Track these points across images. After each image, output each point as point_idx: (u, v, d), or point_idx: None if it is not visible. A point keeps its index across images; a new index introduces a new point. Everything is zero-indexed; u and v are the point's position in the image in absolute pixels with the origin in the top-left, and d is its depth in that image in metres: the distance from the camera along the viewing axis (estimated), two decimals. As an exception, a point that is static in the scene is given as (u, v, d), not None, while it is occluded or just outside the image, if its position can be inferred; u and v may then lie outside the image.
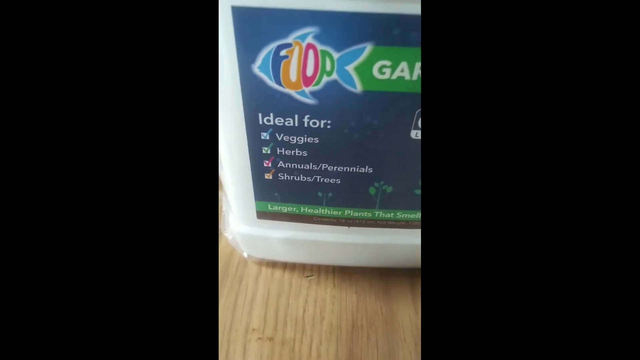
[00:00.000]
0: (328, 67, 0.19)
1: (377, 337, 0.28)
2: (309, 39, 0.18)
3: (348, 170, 0.23)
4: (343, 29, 0.17)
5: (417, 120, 0.21)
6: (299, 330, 0.28)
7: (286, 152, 0.23)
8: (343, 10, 0.17)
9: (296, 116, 0.21)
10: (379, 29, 0.17)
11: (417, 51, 0.18)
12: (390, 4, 0.16)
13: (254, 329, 0.28)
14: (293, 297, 0.30)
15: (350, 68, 0.19)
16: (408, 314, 0.30)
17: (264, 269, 0.32)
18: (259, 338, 0.28)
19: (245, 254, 0.32)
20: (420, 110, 0.20)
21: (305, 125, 0.21)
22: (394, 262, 0.31)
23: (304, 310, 0.30)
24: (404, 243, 0.29)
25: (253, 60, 0.19)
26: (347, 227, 0.27)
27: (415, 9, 0.16)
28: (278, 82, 0.19)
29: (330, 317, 0.29)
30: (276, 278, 0.32)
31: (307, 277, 0.32)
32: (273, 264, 0.33)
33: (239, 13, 0.17)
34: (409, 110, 0.20)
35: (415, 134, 0.21)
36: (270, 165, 0.23)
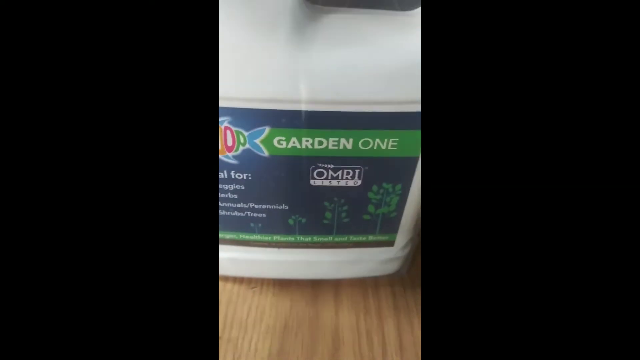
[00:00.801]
0: (242, 140, 0.27)
1: (303, 334, 0.36)
2: (226, 124, 0.26)
3: (270, 207, 0.32)
4: (248, 119, 0.26)
5: (312, 173, 0.29)
6: (242, 330, 0.36)
7: (222, 195, 0.31)
8: (247, 107, 0.25)
9: (225, 171, 0.29)
10: (272, 118, 0.26)
11: (301, 131, 0.26)
12: (277, 103, 0.25)
13: (205, 330, 0.36)
14: (239, 305, 0.38)
15: (257, 141, 0.27)
16: (330, 316, 0.38)
17: (218, 282, 0.40)
18: (209, 336, 0.35)
19: (202, 271, 0.40)
20: (313, 166, 0.29)
21: (233, 177, 0.29)
22: (318, 275, 0.39)
23: (247, 315, 0.37)
24: (324, 260, 0.37)
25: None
26: (277, 249, 0.35)
27: (293, 106, 0.25)
28: (208, 150, 0.28)
29: (267, 319, 0.37)
30: (227, 290, 0.40)
31: (252, 288, 0.40)
32: (225, 279, 0.40)
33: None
34: (306, 167, 0.29)
35: (313, 182, 0.30)
36: (211, 204, 0.32)
